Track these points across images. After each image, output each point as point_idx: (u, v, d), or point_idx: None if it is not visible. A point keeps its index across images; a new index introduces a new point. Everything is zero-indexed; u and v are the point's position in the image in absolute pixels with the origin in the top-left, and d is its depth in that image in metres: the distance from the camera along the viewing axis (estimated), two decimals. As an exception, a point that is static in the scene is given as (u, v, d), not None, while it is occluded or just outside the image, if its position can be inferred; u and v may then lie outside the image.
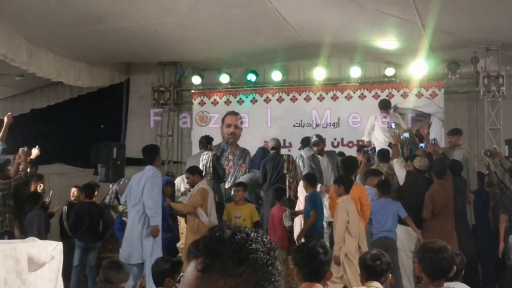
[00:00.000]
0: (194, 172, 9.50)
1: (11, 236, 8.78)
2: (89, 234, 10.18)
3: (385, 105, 12.13)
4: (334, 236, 8.11)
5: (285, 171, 11.06)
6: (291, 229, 9.81)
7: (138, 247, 8.29)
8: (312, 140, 11.32)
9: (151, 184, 8.34)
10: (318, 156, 11.02)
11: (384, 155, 10.72)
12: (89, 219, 10.18)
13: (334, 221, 8.38)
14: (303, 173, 10.75)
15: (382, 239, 8.69)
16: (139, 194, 8.33)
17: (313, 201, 9.47)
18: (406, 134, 11.11)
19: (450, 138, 10.75)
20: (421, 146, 10.38)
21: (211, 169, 10.64)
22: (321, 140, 11.27)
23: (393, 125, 11.41)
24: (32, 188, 10.58)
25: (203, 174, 10.47)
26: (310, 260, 4.06)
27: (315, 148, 11.20)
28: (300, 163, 11.53)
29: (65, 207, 11.21)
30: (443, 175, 9.02)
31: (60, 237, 10.42)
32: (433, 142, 10.56)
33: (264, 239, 1.54)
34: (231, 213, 9.67)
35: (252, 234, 1.53)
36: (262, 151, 12.30)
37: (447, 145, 11.17)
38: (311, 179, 9.77)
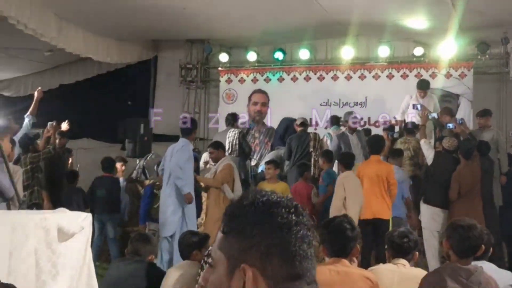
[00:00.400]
0: (218, 147, 9.52)
1: (40, 208, 8.93)
2: (103, 206, 10.29)
3: (422, 85, 12.14)
4: (330, 212, 8.24)
5: (311, 149, 11.09)
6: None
7: (169, 219, 8.42)
8: (343, 117, 11.35)
9: (179, 155, 8.45)
10: (348, 134, 11.00)
11: (411, 128, 10.75)
12: (105, 192, 10.31)
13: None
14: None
15: (392, 219, 8.76)
16: (172, 166, 8.47)
17: (330, 176, 9.57)
18: (434, 115, 11.05)
19: (479, 120, 10.65)
20: (449, 126, 10.31)
21: (237, 146, 10.68)
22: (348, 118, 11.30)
23: (418, 106, 11.36)
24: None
25: (230, 151, 10.53)
26: (337, 236, 4.08)
27: (346, 126, 11.21)
28: (328, 142, 11.56)
29: None
30: (469, 155, 8.96)
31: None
32: (460, 122, 10.50)
33: (289, 203, 1.55)
34: None
35: (275, 199, 1.55)
36: (285, 122, 12.32)
37: (476, 127, 11.09)
38: (328, 156, 9.90)
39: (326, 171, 9.96)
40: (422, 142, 9.80)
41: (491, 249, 4.76)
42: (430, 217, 9.05)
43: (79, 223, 4.70)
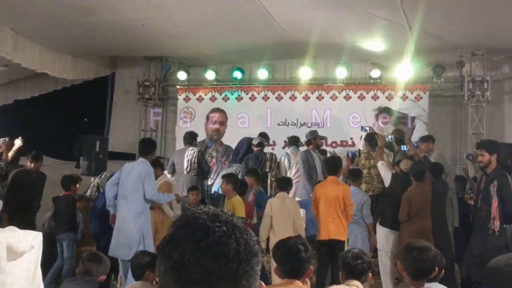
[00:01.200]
0: (156, 166, 9.26)
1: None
2: (64, 225, 10.12)
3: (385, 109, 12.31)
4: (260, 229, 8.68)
5: (267, 170, 11.08)
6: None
7: (128, 242, 8.15)
8: (309, 135, 11.38)
9: (150, 179, 8.20)
10: (312, 152, 11.03)
11: (373, 139, 10.87)
12: (63, 210, 10.17)
13: None
14: (297, 170, 10.85)
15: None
16: (131, 186, 8.19)
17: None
18: (390, 138, 11.15)
19: (421, 145, 10.74)
20: (403, 148, 10.40)
21: (195, 165, 10.63)
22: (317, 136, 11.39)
23: (367, 128, 11.52)
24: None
25: (188, 170, 10.46)
26: (290, 257, 4.06)
27: (311, 144, 11.23)
28: (286, 162, 11.55)
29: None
30: (421, 177, 9.03)
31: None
32: (415, 144, 10.60)
33: (204, 215, 1.42)
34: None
35: (195, 214, 1.43)
36: (246, 141, 12.30)
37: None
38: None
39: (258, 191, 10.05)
40: (379, 164, 9.88)
41: (443, 271, 4.78)
42: (384, 238, 9.12)
43: (29, 242, 4.58)
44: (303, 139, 11.80)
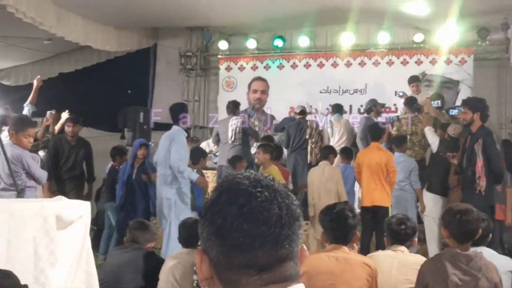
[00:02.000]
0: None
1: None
2: (105, 195, 10.44)
3: (411, 79, 12.13)
4: None
5: (307, 137, 11.09)
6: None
7: (161, 211, 8.21)
8: (369, 103, 11.54)
9: (176, 146, 8.14)
10: (374, 118, 11.10)
11: (414, 103, 10.80)
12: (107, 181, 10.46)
13: None
14: (340, 137, 10.86)
15: None
16: (163, 154, 8.21)
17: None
18: (436, 103, 10.90)
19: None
20: (452, 113, 10.19)
21: (240, 134, 10.64)
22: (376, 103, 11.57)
23: (401, 93, 11.42)
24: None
25: (233, 139, 10.50)
26: (338, 223, 4.08)
27: (373, 111, 11.37)
28: (329, 129, 11.55)
29: None
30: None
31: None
32: (461, 109, 10.44)
33: (249, 179, 1.44)
34: None
35: (237, 179, 1.45)
36: (288, 121, 12.35)
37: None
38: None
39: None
40: (426, 129, 9.77)
41: (490, 235, 4.75)
42: (432, 204, 9.04)
43: (78, 211, 4.69)
44: (346, 106, 11.77)
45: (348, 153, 10.21)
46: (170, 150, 8.01)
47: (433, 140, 9.55)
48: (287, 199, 1.43)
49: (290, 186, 9.29)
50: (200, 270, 1.43)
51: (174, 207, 8.00)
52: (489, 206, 7.11)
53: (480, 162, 7.18)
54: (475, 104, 7.48)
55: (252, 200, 1.39)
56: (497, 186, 7.99)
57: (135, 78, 16.11)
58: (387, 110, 13.17)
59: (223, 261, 1.39)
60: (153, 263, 5.46)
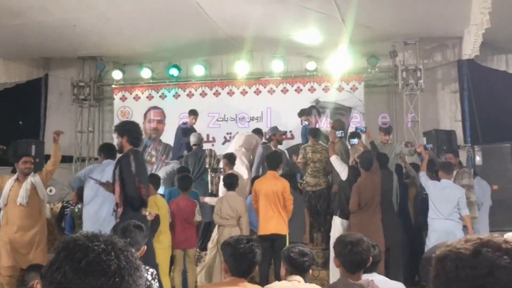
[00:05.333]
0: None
1: None
2: None
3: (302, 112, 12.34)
4: None
5: (207, 166, 11.04)
6: (199, 225, 9.53)
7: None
8: (270, 131, 11.70)
9: None
10: (272, 147, 11.16)
11: (317, 132, 11.02)
12: None
13: None
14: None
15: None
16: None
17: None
18: (339, 133, 10.95)
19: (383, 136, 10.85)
20: (353, 142, 10.34)
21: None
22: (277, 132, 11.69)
23: (363, 129, 11.49)
24: None
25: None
26: (245, 259, 4.10)
27: (272, 140, 11.47)
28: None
29: None
30: (369, 166, 9.10)
31: None
32: (363, 129, 10.67)
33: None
34: None
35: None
36: (182, 131, 12.26)
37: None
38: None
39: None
40: (333, 158, 9.83)
41: (379, 261, 4.84)
42: (342, 229, 9.08)
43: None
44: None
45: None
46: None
47: (341, 168, 9.65)
48: (126, 251, 1.45)
49: (198, 218, 9.15)
50: None
51: None
52: None
53: (117, 187, 6.94)
54: (121, 129, 7.19)
55: (89, 254, 1.41)
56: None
57: (26, 109, 15.65)
58: (284, 137, 13.31)
59: None
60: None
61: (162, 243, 8.29)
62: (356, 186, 9.02)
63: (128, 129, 7.12)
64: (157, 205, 8.45)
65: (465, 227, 8.90)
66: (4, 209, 8.41)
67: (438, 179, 9.28)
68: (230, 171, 9.96)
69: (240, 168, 10.75)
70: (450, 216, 8.95)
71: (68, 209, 10.07)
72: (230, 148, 11.47)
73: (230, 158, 10.33)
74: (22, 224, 8.47)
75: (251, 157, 11.33)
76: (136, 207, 6.82)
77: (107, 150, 8.60)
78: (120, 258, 1.42)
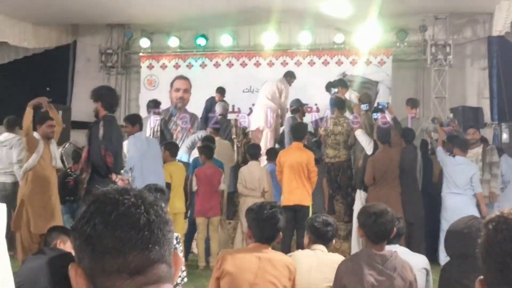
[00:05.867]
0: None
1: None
2: None
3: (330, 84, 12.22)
4: None
5: (234, 136, 11.08)
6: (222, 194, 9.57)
7: None
8: (296, 104, 11.50)
9: None
10: (298, 120, 11.11)
11: (342, 103, 10.89)
12: None
13: None
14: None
15: None
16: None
17: None
18: (365, 106, 10.87)
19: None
20: (375, 116, 10.26)
21: (158, 133, 10.55)
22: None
23: (335, 90, 11.49)
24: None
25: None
26: (268, 224, 4.14)
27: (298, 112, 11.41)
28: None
29: None
30: (385, 139, 9.08)
31: None
32: (385, 105, 10.61)
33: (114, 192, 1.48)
34: None
35: (105, 191, 1.49)
36: (210, 101, 12.32)
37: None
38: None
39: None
40: (358, 132, 9.81)
41: (403, 234, 4.86)
42: (364, 203, 9.08)
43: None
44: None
45: (272, 153, 10.20)
46: None
47: (367, 142, 9.63)
48: (155, 205, 1.47)
49: (222, 187, 9.27)
50: (76, 283, 1.44)
51: None
52: None
53: (84, 152, 6.94)
54: (96, 94, 7.02)
55: (119, 207, 1.42)
56: None
57: (53, 75, 15.71)
58: (309, 110, 13.30)
59: (96, 268, 1.41)
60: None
61: (175, 209, 8.46)
62: (371, 160, 9.04)
63: (102, 94, 7.06)
64: (170, 173, 8.61)
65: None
66: (32, 169, 7.90)
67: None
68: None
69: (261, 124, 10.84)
70: (463, 192, 9.08)
71: (71, 177, 10.22)
72: (258, 100, 11.53)
73: (253, 152, 10.05)
74: (54, 188, 8.13)
75: (279, 108, 11.43)
76: (102, 174, 6.81)
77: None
78: (149, 212, 1.43)
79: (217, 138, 10.40)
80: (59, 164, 8.48)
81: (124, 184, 7.09)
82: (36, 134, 7.93)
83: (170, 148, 9.16)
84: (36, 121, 8.07)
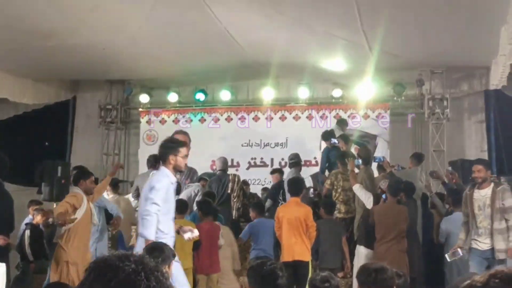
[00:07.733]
0: None
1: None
2: None
3: (326, 137, 12.23)
4: None
5: (229, 191, 11.05)
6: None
7: None
8: (296, 158, 11.49)
9: None
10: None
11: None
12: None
13: None
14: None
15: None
16: None
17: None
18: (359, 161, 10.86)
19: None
20: (379, 160, 10.32)
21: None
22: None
23: (335, 141, 11.51)
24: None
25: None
26: (268, 281, 4.08)
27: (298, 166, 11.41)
28: None
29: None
30: (396, 193, 9.03)
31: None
32: (381, 159, 10.63)
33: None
34: None
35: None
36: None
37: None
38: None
39: None
40: (356, 187, 9.76)
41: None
42: (363, 259, 8.95)
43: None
44: (267, 159, 11.77)
45: (261, 207, 10.16)
46: None
47: (366, 196, 9.57)
48: (156, 271, 1.46)
49: (221, 241, 9.15)
50: None
51: None
52: None
53: None
54: None
55: (119, 274, 1.41)
56: None
57: (53, 131, 15.79)
58: (308, 163, 13.32)
59: None
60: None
61: (183, 265, 8.32)
62: (374, 209, 8.97)
63: None
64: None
65: None
66: (72, 227, 7.82)
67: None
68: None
69: None
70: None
71: None
72: None
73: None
74: (88, 245, 8.10)
75: None
76: None
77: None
78: (150, 278, 1.42)
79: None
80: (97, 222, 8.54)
81: (4, 243, 7.11)
82: (78, 189, 7.94)
83: (178, 205, 9.05)
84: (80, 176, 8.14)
